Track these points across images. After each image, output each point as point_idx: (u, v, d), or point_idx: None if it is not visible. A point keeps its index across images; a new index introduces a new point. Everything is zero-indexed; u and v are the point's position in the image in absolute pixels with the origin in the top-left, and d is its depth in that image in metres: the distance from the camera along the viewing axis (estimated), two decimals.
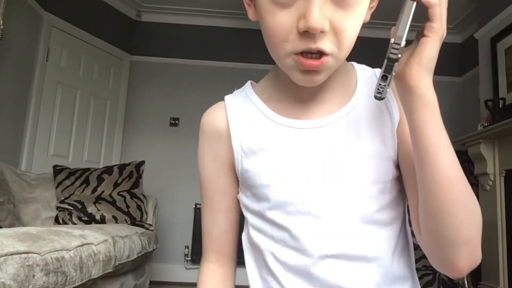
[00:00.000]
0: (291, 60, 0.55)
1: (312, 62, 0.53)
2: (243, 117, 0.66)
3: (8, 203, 2.08)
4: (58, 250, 1.24)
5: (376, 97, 0.53)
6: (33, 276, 1.09)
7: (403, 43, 0.49)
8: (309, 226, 0.59)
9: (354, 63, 0.69)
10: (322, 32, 0.51)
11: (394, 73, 0.51)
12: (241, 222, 0.70)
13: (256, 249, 0.65)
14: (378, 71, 0.67)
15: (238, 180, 0.68)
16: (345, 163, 0.60)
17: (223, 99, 0.70)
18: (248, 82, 0.71)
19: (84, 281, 1.38)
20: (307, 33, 0.51)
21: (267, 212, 0.62)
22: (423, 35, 0.52)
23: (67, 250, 1.30)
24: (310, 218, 0.59)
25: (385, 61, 0.50)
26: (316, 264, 0.58)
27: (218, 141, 0.67)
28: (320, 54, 0.53)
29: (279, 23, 0.53)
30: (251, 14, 0.61)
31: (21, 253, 1.07)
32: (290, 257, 0.60)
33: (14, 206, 2.15)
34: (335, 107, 0.63)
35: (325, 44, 0.52)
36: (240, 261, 0.70)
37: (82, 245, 1.41)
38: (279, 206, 0.61)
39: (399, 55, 0.49)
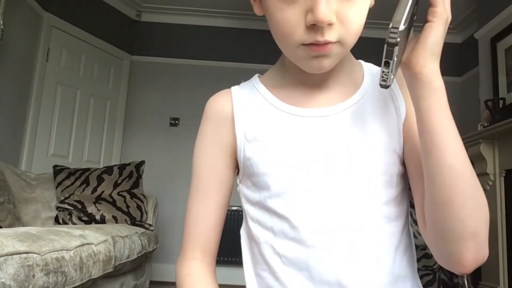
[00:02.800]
0: (300, 51, 0.56)
1: (320, 47, 0.54)
2: (248, 105, 0.65)
3: (8, 203, 2.08)
4: (58, 250, 1.24)
5: (381, 85, 0.52)
6: (33, 276, 1.09)
7: (401, 27, 0.48)
8: (310, 216, 0.58)
9: (362, 61, 0.69)
10: (329, 24, 0.52)
11: (396, 59, 0.50)
12: (238, 218, 0.69)
13: (254, 243, 0.64)
14: None
15: (238, 169, 0.67)
16: (349, 153, 0.59)
17: None
18: (256, 75, 0.71)
19: (84, 281, 1.37)
20: (314, 26, 0.52)
21: (268, 201, 0.61)
22: (427, 21, 0.52)
23: (67, 250, 1.30)
24: (311, 208, 0.58)
25: (385, 46, 0.49)
26: (316, 256, 0.57)
27: (221, 126, 0.66)
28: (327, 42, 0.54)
29: (287, 18, 0.54)
30: (256, 9, 0.62)
31: (21, 253, 1.07)
32: (290, 249, 0.59)
33: (14, 206, 2.15)
34: (341, 97, 0.63)
35: (332, 35, 0.53)
36: (238, 261, 0.68)
37: (82, 245, 1.41)
38: (280, 194, 0.60)
39: (398, 39, 0.48)
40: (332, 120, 0.61)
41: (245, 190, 0.66)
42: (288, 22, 0.54)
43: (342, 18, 0.53)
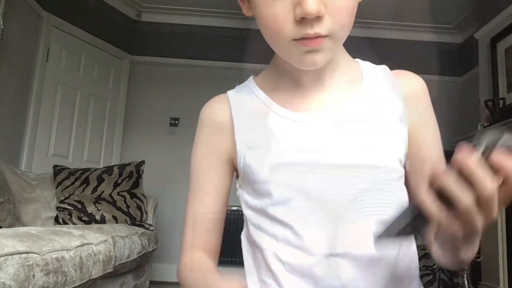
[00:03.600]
0: (291, 47, 0.55)
1: (311, 41, 0.54)
2: (247, 112, 0.65)
3: (8, 203, 2.08)
4: (58, 250, 1.24)
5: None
6: (33, 276, 1.09)
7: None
8: (313, 223, 0.57)
9: (359, 60, 0.69)
10: (318, 16, 0.52)
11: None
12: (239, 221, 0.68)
13: (256, 249, 0.63)
14: (381, 67, 0.67)
15: (237, 176, 0.66)
16: (351, 157, 0.59)
17: None
18: (250, 77, 0.70)
19: (84, 281, 1.37)
20: (304, 20, 0.52)
21: (269, 209, 0.60)
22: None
23: (67, 250, 1.29)
24: (314, 214, 0.57)
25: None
26: (320, 264, 0.56)
27: (218, 134, 0.65)
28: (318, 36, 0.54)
29: (276, 14, 0.54)
30: (245, 10, 0.62)
31: (21, 253, 1.07)
32: (293, 256, 0.58)
33: (14, 206, 2.15)
34: (338, 98, 0.62)
35: (322, 28, 0.53)
36: (238, 261, 0.68)
37: (82, 245, 1.41)
38: (283, 201, 0.59)
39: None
40: (330, 123, 0.60)
41: (245, 196, 0.65)
42: (277, 18, 0.54)
43: (332, 11, 0.53)
